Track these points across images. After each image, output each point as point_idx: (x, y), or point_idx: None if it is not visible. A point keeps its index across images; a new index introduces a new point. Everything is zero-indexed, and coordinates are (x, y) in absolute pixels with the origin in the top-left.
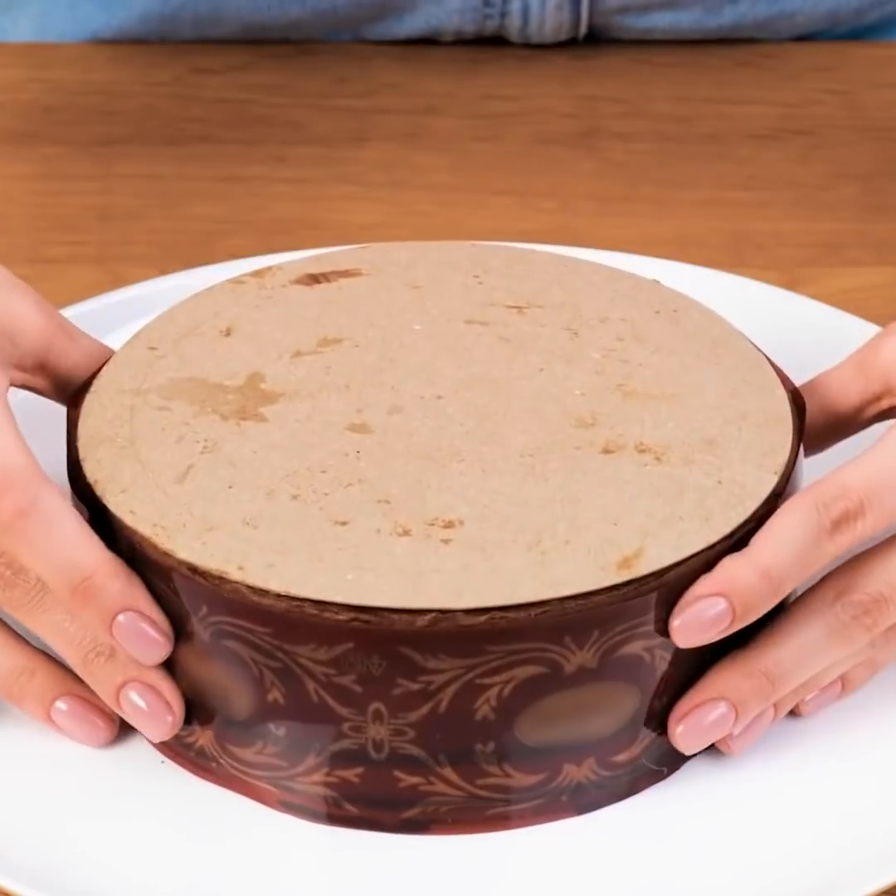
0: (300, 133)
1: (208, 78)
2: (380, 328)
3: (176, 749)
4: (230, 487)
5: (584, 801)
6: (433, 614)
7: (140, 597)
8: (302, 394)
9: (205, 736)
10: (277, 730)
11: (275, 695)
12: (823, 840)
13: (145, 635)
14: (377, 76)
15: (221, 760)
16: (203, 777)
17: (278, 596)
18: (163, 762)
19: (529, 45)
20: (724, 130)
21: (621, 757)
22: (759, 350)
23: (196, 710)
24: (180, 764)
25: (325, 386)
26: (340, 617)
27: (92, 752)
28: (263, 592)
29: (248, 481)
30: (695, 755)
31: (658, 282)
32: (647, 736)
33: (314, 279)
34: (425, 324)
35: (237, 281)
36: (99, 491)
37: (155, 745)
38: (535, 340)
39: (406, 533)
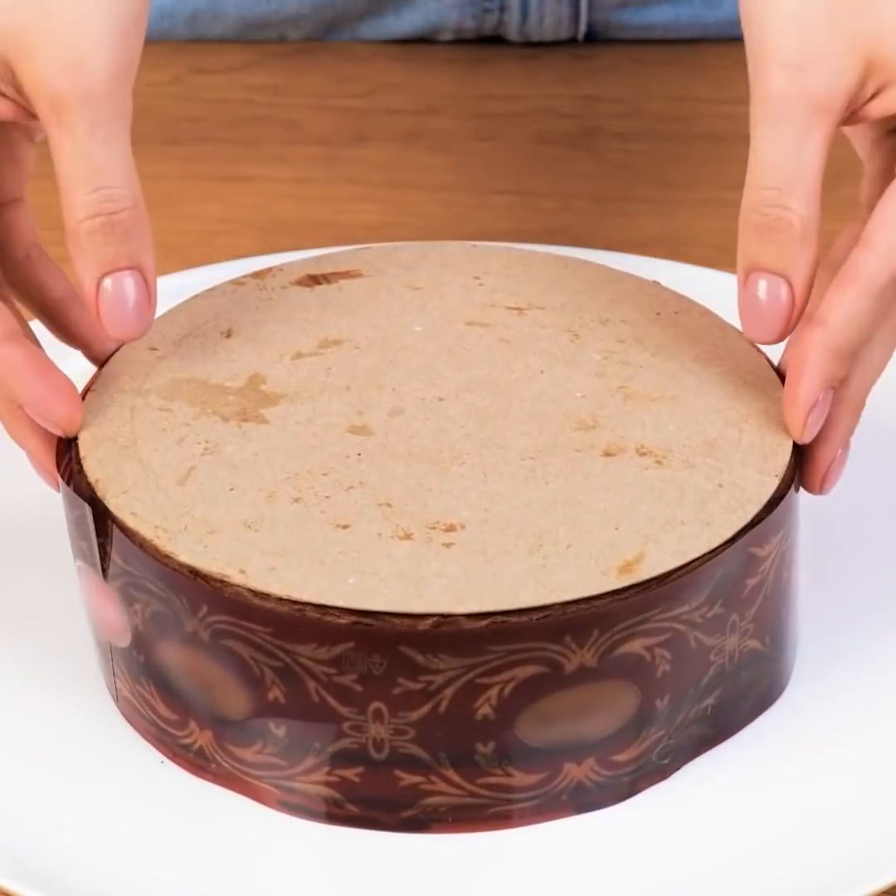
0: (300, 133)
1: (208, 78)
2: (380, 329)
3: (175, 749)
4: (231, 489)
5: (584, 800)
6: (435, 618)
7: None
8: (303, 395)
9: (204, 736)
10: (277, 729)
11: (275, 694)
12: (823, 840)
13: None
14: (377, 76)
15: (221, 761)
16: (202, 777)
17: (280, 599)
18: (162, 762)
19: (530, 44)
20: (723, 130)
21: (621, 757)
22: (759, 351)
23: (195, 709)
24: (179, 764)
25: (326, 388)
26: (342, 621)
27: (91, 753)
28: (265, 596)
29: (250, 483)
30: (694, 756)
31: (658, 283)
32: (647, 736)
33: (314, 280)
34: (426, 325)
35: (237, 282)
36: (100, 491)
37: (154, 745)
38: (535, 342)
39: (407, 536)
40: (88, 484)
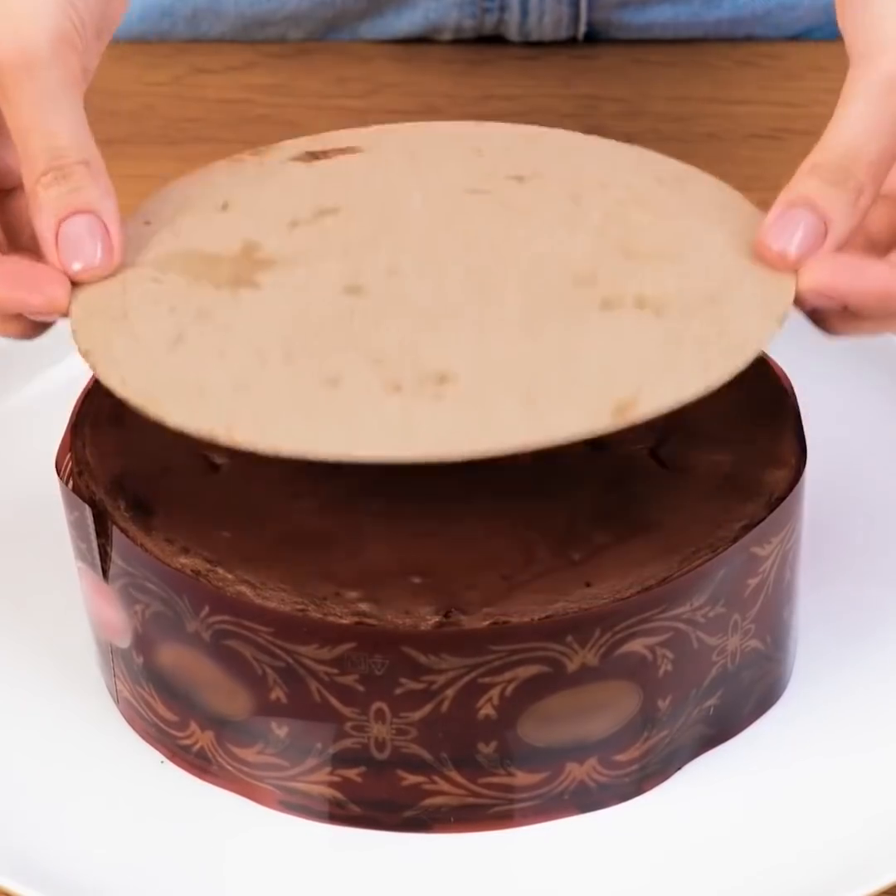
0: (300, 133)
1: (208, 78)
2: (378, 197)
3: (175, 751)
4: (221, 354)
5: (586, 800)
6: (437, 619)
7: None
8: (298, 260)
9: (205, 737)
10: (279, 730)
11: (277, 694)
12: (825, 840)
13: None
14: (377, 76)
15: (222, 762)
16: (203, 778)
17: (282, 599)
18: (162, 763)
19: (529, 44)
20: (724, 130)
21: (624, 756)
22: (765, 214)
23: (196, 710)
24: (180, 765)
25: (322, 253)
26: (344, 620)
27: (92, 753)
28: (265, 597)
29: (240, 347)
30: (696, 756)
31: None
32: (649, 736)
33: (313, 156)
34: (425, 193)
35: (236, 159)
36: (91, 361)
37: (155, 746)
38: (536, 206)
39: (397, 388)
40: (80, 353)
